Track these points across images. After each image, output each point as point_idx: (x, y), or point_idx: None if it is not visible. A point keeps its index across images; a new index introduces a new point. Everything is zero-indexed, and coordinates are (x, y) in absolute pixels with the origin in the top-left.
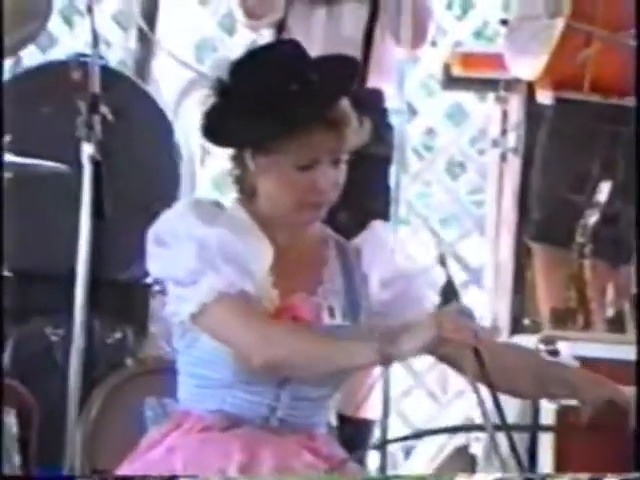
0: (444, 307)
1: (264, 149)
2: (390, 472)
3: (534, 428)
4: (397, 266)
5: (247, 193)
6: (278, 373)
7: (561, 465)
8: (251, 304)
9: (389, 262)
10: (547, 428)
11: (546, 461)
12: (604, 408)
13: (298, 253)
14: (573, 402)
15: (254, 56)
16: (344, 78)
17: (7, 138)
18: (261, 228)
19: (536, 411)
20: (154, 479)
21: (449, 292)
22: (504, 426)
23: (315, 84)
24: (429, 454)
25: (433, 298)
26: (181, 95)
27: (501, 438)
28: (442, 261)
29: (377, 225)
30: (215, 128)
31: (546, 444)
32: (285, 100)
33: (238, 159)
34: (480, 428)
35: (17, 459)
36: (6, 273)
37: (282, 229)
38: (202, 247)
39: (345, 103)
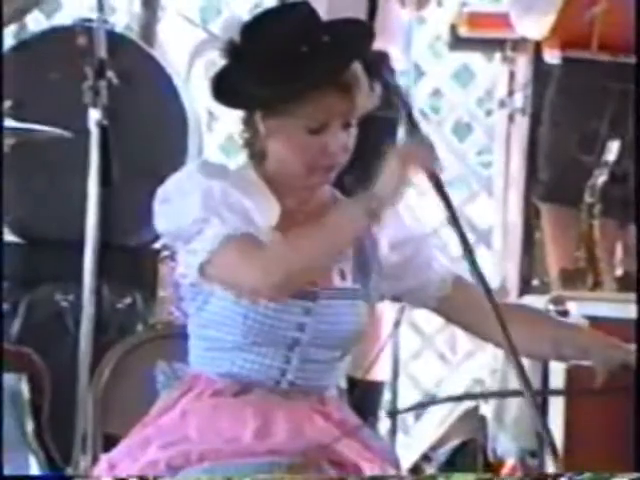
0: (406, 140)
1: (274, 111)
2: (400, 435)
3: (559, 392)
4: (406, 229)
5: (257, 156)
6: (293, 289)
7: (571, 425)
8: (254, 244)
9: (398, 226)
10: (579, 392)
11: (556, 422)
12: (617, 371)
13: (307, 216)
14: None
15: (265, 17)
16: (357, 41)
17: (8, 103)
18: (270, 190)
19: (546, 372)
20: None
21: (409, 124)
22: (530, 391)
23: (327, 46)
24: (439, 417)
25: (442, 259)
26: (192, 58)
27: (511, 402)
28: (396, 93)
29: None
30: (226, 90)
31: (556, 405)
32: (296, 62)
33: (248, 122)
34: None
35: (30, 425)
36: (16, 240)
37: (291, 192)
38: (207, 196)
39: (357, 66)
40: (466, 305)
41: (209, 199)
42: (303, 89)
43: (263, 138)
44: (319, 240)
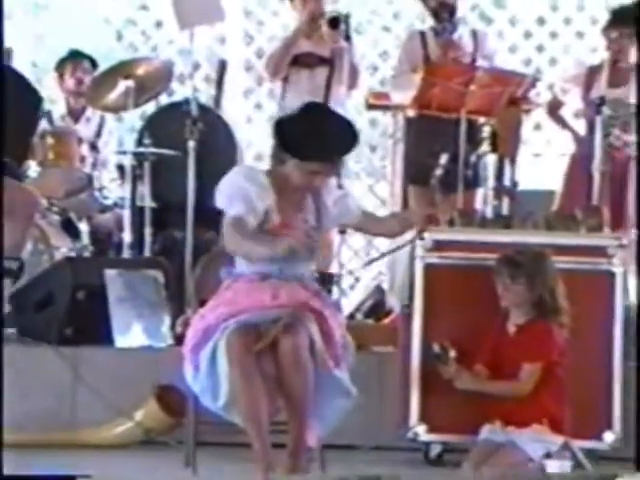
0: None
1: (297, 160)
2: (343, 299)
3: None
4: (338, 192)
5: (278, 164)
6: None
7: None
8: (244, 226)
9: (335, 192)
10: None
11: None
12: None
13: (292, 195)
14: None
15: (304, 114)
16: (348, 144)
17: (151, 139)
18: (275, 187)
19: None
20: None
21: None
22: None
23: (330, 145)
24: (361, 289)
25: (354, 204)
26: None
27: (397, 278)
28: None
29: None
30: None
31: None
32: (315, 147)
33: (280, 154)
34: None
35: (164, 294)
36: (154, 205)
37: (288, 189)
38: (232, 192)
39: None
40: (367, 221)
41: (232, 194)
42: (315, 161)
43: (286, 163)
44: (255, 246)
